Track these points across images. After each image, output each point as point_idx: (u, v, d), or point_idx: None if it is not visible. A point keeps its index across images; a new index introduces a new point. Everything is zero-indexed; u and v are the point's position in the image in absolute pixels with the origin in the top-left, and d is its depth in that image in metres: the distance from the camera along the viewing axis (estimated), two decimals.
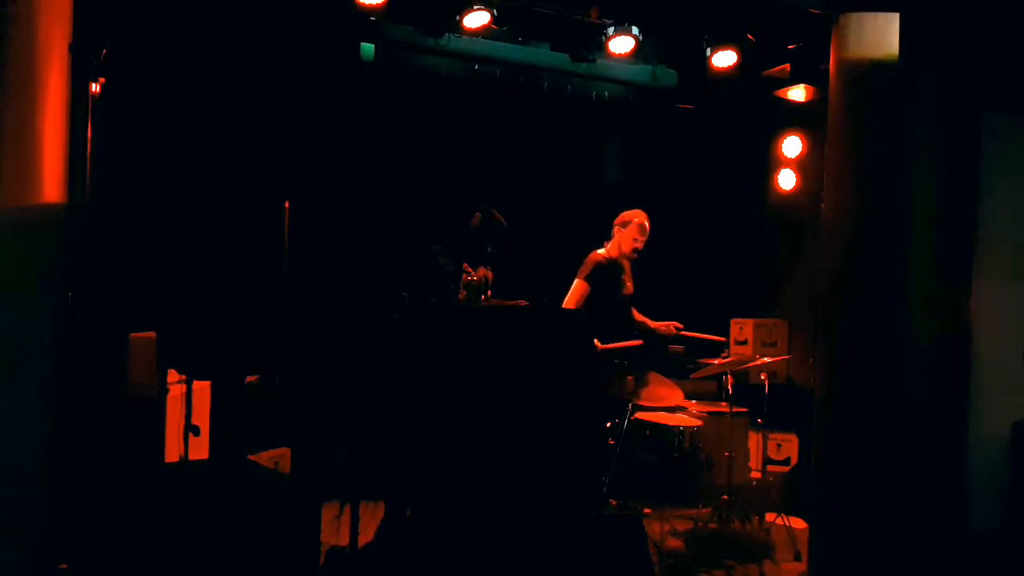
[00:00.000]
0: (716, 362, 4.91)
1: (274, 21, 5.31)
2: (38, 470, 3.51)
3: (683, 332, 5.39)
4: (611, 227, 5.29)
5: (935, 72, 4.34)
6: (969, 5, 4.39)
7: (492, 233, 4.52)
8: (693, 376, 5.11)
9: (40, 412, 3.52)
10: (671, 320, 5.41)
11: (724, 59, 5.40)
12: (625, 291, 5.29)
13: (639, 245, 5.20)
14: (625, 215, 5.24)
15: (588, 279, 5.07)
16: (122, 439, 3.95)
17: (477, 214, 4.57)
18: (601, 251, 5.22)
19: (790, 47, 5.49)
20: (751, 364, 5.02)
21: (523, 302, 4.33)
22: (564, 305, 5.00)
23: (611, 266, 5.19)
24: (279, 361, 5.01)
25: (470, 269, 4.48)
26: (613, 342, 4.98)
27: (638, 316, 5.41)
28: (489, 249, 4.49)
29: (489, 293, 4.39)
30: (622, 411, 4.82)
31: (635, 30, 5.24)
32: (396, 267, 5.69)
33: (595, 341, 4.87)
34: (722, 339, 5.41)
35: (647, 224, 5.22)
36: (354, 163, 5.93)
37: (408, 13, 5.22)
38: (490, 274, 4.49)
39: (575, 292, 5.05)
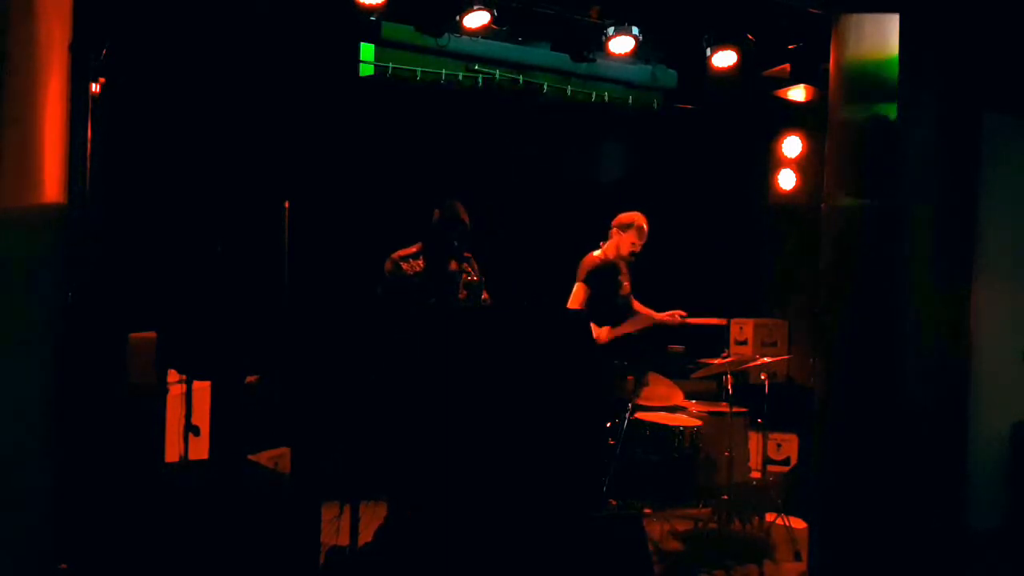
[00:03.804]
0: (716, 362, 4.91)
1: (274, 21, 5.30)
2: (38, 470, 3.51)
3: (687, 320, 5.36)
4: (608, 228, 5.29)
5: (935, 72, 4.34)
6: (969, 5, 4.39)
7: (453, 227, 4.41)
8: (693, 376, 5.11)
9: (40, 412, 3.51)
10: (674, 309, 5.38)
11: (724, 59, 5.40)
12: (623, 291, 5.29)
13: (638, 248, 5.22)
14: (624, 217, 5.24)
15: (587, 282, 5.08)
16: (122, 439, 3.96)
17: (436, 210, 4.48)
18: (597, 253, 5.22)
19: (790, 47, 5.49)
20: (751, 364, 5.02)
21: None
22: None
23: (608, 267, 5.19)
24: (279, 361, 5.01)
25: (469, 268, 4.49)
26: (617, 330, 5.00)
27: (642, 309, 5.40)
28: (456, 243, 4.40)
29: (465, 294, 4.37)
30: (622, 411, 4.82)
31: (635, 30, 5.24)
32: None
33: (607, 328, 4.93)
34: (724, 321, 5.41)
35: (646, 227, 5.22)
36: (353, 163, 5.93)
37: (408, 13, 5.22)
38: (466, 266, 4.46)
39: (576, 296, 5.06)
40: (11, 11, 3.41)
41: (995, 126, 4.59)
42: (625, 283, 5.31)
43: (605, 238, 5.29)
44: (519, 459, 3.64)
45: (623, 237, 5.21)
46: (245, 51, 5.31)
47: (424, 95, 6.13)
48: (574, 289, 5.09)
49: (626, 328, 5.08)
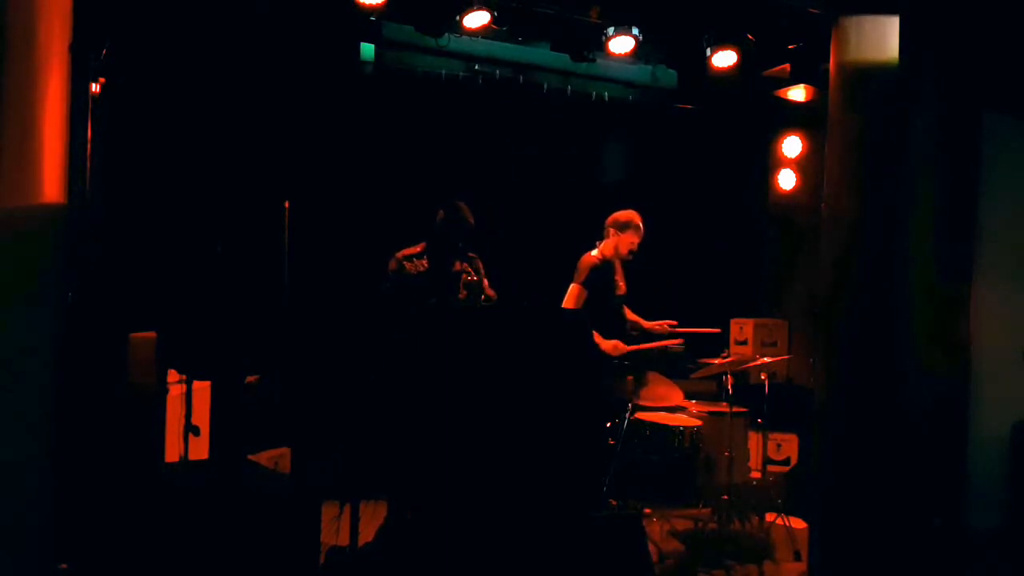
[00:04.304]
0: (716, 362, 4.91)
1: (274, 21, 5.31)
2: (38, 470, 3.51)
3: (677, 329, 5.34)
4: (603, 227, 5.27)
5: (935, 73, 4.34)
6: (969, 6, 4.39)
7: (457, 228, 4.44)
8: (693, 376, 5.11)
9: (40, 412, 3.51)
10: (664, 319, 5.32)
11: (724, 59, 5.40)
12: (618, 291, 5.27)
13: (636, 247, 5.18)
14: (621, 216, 5.16)
15: (585, 283, 5.04)
16: (122, 439, 3.95)
17: (440, 211, 4.51)
18: (594, 253, 5.18)
19: (790, 47, 5.50)
20: (751, 364, 5.01)
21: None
22: None
23: (606, 268, 5.17)
24: (279, 361, 5.01)
25: (470, 269, 4.49)
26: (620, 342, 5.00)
27: (631, 316, 5.39)
28: (460, 244, 4.44)
29: (464, 294, 4.38)
30: (622, 411, 4.82)
31: (635, 30, 5.24)
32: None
33: (619, 344, 4.96)
34: (717, 331, 5.38)
35: (642, 225, 5.19)
36: (354, 163, 5.93)
37: (408, 13, 5.22)
38: (467, 266, 4.48)
39: (572, 296, 5.02)
40: (11, 11, 3.42)
41: (995, 126, 4.59)
42: (621, 283, 5.29)
43: (602, 238, 5.26)
44: (519, 459, 3.64)
45: (622, 237, 5.15)
46: (245, 51, 5.31)
47: (424, 94, 6.13)
48: (570, 290, 5.05)
49: (646, 346, 5.08)
